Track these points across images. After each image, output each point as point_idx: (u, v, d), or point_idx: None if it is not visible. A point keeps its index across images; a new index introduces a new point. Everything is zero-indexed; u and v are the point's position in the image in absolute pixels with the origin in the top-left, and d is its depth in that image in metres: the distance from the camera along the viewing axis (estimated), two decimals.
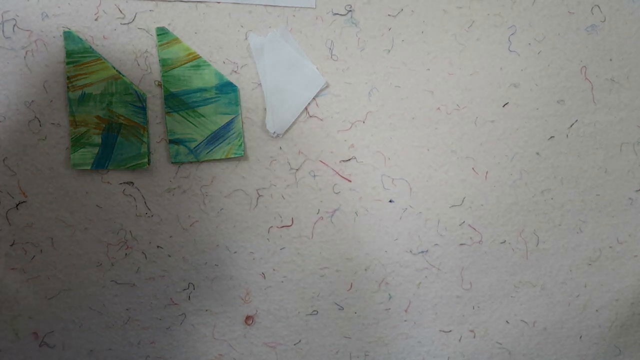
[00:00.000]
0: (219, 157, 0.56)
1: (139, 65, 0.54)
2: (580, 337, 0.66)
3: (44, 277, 0.57)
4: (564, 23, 0.58)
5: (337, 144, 0.58)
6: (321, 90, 0.56)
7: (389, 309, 0.63)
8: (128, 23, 0.53)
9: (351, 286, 0.62)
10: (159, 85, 0.55)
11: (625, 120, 0.61)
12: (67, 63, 0.53)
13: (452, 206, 0.60)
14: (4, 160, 0.54)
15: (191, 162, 0.56)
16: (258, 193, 0.58)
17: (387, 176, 0.59)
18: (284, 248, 0.60)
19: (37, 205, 0.55)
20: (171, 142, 0.55)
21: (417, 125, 0.58)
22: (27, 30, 0.52)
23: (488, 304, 0.64)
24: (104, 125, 0.54)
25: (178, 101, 0.55)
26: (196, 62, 0.54)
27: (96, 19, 0.53)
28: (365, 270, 0.61)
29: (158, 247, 0.58)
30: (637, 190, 0.63)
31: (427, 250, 0.61)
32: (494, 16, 0.57)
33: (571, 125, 0.60)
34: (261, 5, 0.54)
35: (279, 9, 0.54)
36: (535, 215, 0.62)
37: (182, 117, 0.55)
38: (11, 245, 0.56)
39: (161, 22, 0.53)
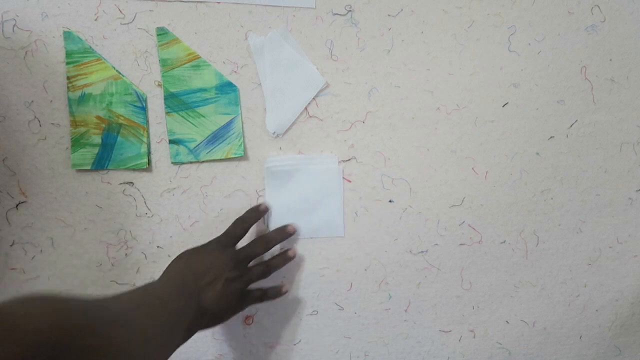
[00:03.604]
0: (219, 157, 0.56)
1: (139, 65, 0.54)
2: (580, 337, 0.66)
3: (44, 277, 0.56)
4: (564, 23, 0.58)
5: (337, 144, 0.58)
6: (321, 90, 0.56)
7: (389, 309, 0.63)
8: (128, 23, 0.53)
9: (351, 286, 0.61)
10: (159, 85, 0.55)
11: (625, 120, 0.61)
12: (67, 63, 0.53)
13: (452, 206, 0.60)
14: (4, 160, 0.54)
15: (191, 162, 0.56)
16: (258, 193, 0.58)
17: (387, 176, 0.59)
18: (284, 248, 0.60)
19: (37, 205, 0.55)
20: (171, 142, 0.55)
21: (417, 125, 0.58)
22: (27, 30, 0.52)
23: (488, 304, 0.64)
24: (104, 125, 0.54)
25: (178, 101, 0.55)
26: (196, 62, 0.54)
27: (96, 19, 0.53)
28: (365, 270, 0.61)
29: (158, 247, 0.57)
30: (637, 190, 0.63)
31: (427, 250, 0.61)
32: (494, 16, 0.57)
33: (571, 125, 0.60)
34: (261, 5, 0.54)
35: (279, 9, 0.54)
36: (535, 215, 0.62)
37: (182, 117, 0.55)
38: (11, 246, 0.55)
39: (161, 22, 0.53)
